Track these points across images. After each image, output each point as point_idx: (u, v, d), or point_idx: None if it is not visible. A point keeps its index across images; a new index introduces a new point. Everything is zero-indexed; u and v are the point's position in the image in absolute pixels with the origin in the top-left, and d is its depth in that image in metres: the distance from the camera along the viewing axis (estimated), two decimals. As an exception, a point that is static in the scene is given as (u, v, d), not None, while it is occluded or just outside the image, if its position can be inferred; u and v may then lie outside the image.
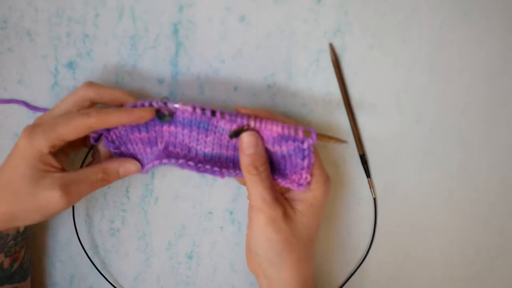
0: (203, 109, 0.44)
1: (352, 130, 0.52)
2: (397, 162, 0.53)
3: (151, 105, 0.44)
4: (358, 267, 0.56)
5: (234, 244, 0.55)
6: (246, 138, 0.45)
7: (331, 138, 0.45)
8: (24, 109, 0.52)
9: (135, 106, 0.45)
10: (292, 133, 0.44)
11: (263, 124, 0.44)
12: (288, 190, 0.49)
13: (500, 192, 0.54)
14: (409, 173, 0.53)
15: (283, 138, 0.45)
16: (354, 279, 0.56)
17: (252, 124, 0.44)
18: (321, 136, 0.45)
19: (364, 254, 0.55)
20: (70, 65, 0.51)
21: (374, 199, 0.54)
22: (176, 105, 0.44)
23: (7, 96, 0.51)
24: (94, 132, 0.47)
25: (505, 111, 0.52)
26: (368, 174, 0.53)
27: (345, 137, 0.52)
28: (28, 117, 0.52)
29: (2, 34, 0.50)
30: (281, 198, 0.46)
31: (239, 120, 0.44)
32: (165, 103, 0.44)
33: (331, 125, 0.52)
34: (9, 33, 0.50)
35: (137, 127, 0.47)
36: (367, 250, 0.55)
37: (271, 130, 0.44)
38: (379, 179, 0.53)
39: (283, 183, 0.45)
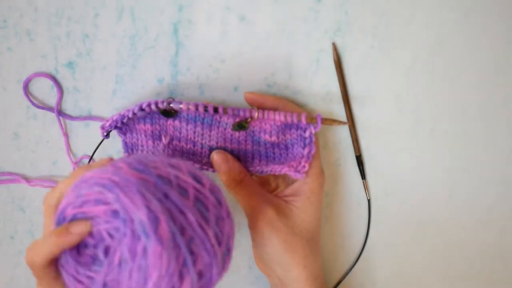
0: (205, 107, 0.45)
1: (350, 131, 0.52)
2: (397, 162, 0.53)
3: (156, 105, 0.45)
4: (352, 268, 0.56)
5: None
6: (216, 157, 0.47)
7: (334, 120, 0.45)
8: (23, 110, 0.52)
9: (141, 106, 0.46)
10: (295, 120, 0.45)
11: (265, 114, 0.45)
12: (281, 187, 0.49)
13: (500, 192, 0.54)
14: (409, 173, 0.53)
15: (286, 127, 0.46)
16: (352, 279, 0.56)
17: (255, 115, 0.45)
18: (324, 119, 0.45)
19: (358, 255, 0.55)
20: (70, 65, 0.51)
21: (369, 200, 0.54)
22: (181, 106, 0.45)
23: (6, 96, 0.51)
24: (103, 126, 0.49)
25: (505, 111, 0.52)
26: (363, 176, 0.53)
27: (344, 137, 0.52)
28: (28, 118, 0.52)
29: (1, 34, 0.50)
30: (272, 198, 0.46)
31: (241, 113, 0.46)
32: (169, 103, 0.45)
33: (331, 125, 0.52)
34: (8, 33, 0.50)
35: (142, 118, 0.47)
36: (361, 251, 0.55)
37: (274, 120, 0.45)
38: (379, 179, 0.53)
39: (280, 169, 0.46)
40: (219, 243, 0.36)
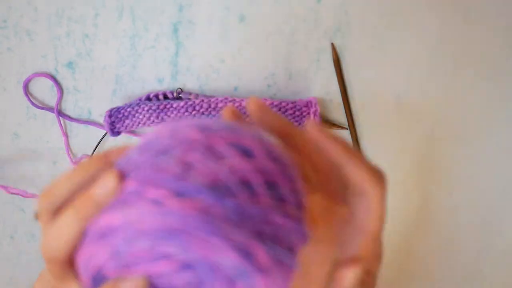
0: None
1: (350, 131, 0.52)
2: (397, 162, 0.53)
3: (165, 95, 0.46)
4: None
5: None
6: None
7: (333, 125, 0.45)
8: (23, 110, 0.52)
9: (148, 96, 0.46)
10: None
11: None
12: None
13: (500, 192, 0.54)
14: (409, 173, 0.53)
15: None
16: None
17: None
18: (323, 123, 0.45)
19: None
20: (70, 65, 0.51)
21: None
22: (190, 96, 0.45)
23: (6, 96, 0.51)
24: (110, 111, 0.49)
25: (505, 111, 0.52)
26: None
27: (344, 137, 0.52)
28: (28, 118, 0.52)
29: (2, 34, 0.50)
30: None
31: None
32: (179, 94, 0.46)
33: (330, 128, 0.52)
34: (8, 33, 0.50)
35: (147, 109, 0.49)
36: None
37: None
38: (379, 179, 0.53)
39: None
40: (300, 207, 0.27)
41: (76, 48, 0.50)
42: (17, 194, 0.52)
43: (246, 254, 0.24)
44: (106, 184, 0.26)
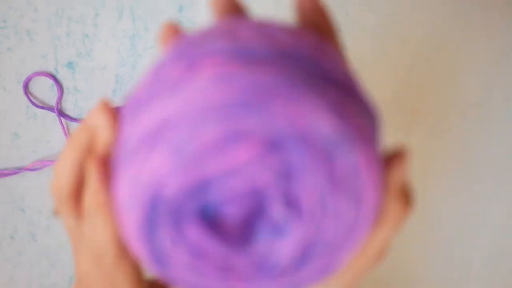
0: None
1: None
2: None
3: None
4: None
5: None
6: None
7: None
8: (23, 109, 0.52)
9: None
10: None
11: None
12: None
13: (500, 192, 0.54)
14: (409, 174, 0.53)
15: None
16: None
17: None
18: None
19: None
20: (70, 65, 0.51)
21: None
22: None
23: (6, 96, 0.51)
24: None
25: (505, 111, 0.52)
26: None
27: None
28: (28, 117, 0.52)
29: (2, 34, 0.50)
30: None
31: None
32: None
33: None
34: (9, 33, 0.50)
35: None
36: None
37: None
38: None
39: None
40: None
41: (76, 48, 0.50)
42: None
43: (343, 116, 0.18)
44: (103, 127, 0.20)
